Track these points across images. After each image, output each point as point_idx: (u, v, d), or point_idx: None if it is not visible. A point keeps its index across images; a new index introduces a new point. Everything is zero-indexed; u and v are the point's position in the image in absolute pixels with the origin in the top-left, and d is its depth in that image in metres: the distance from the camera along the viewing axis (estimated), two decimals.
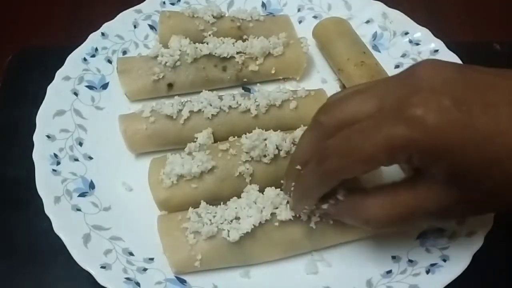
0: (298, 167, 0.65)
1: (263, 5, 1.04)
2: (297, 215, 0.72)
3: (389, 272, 0.73)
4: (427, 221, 0.72)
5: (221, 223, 0.72)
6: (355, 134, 0.57)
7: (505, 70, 0.57)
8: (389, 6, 1.01)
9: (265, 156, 0.77)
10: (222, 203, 0.75)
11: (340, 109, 0.61)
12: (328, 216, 0.70)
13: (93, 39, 0.95)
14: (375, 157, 0.55)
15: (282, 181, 0.73)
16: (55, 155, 0.81)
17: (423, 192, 0.58)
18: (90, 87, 0.91)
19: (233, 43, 0.92)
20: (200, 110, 0.83)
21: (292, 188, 0.68)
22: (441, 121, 0.52)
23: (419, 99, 0.53)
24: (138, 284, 0.70)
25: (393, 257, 0.75)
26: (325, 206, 0.65)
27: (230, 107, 0.84)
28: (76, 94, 0.89)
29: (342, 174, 0.59)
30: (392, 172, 0.84)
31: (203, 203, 0.74)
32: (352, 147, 0.56)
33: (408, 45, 0.97)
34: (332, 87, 0.94)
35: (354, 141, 0.56)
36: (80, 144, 0.85)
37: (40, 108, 0.85)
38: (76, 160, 0.82)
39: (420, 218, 0.60)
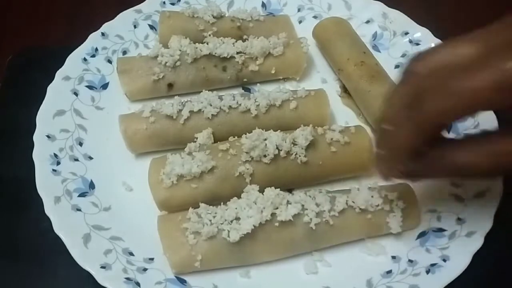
0: (389, 127, 0.60)
1: (263, 5, 1.04)
2: (387, 180, 0.68)
3: (389, 272, 0.73)
4: None
5: (221, 224, 0.72)
6: (458, 73, 0.52)
7: None
8: (389, 6, 1.01)
9: (265, 156, 0.77)
10: (222, 203, 0.75)
11: (435, 55, 0.56)
12: (417, 176, 0.66)
13: (93, 39, 0.95)
14: (483, 95, 0.51)
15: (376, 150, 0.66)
16: (55, 155, 0.81)
17: None
18: (90, 87, 0.91)
19: (233, 43, 0.92)
20: (200, 110, 0.83)
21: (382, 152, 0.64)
22: None
23: None
24: (138, 284, 0.70)
25: (393, 257, 0.75)
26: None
27: (230, 107, 0.84)
28: (76, 94, 0.89)
29: (442, 117, 0.55)
30: None
31: (203, 204, 0.74)
32: (456, 86, 0.52)
33: (408, 45, 0.97)
34: (332, 87, 0.95)
35: (458, 80, 0.52)
36: (80, 144, 0.85)
37: (40, 108, 0.85)
38: (76, 160, 0.82)
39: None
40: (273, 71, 0.93)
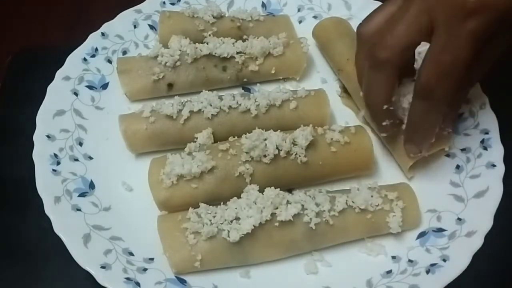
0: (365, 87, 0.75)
1: (263, 5, 1.04)
2: (384, 132, 0.80)
3: (389, 272, 0.73)
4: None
5: (221, 224, 0.72)
6: (394, 21, 0.68)
7: None
8: None
9: (265, 156, 0.77)
10: (222, 203, 0.75)
11: (373, 17, 0.74)
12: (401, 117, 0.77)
13: (93, 39, 0.95)
14: (416, 24, 0.66)
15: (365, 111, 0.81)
16: (55, 155, 0.81)
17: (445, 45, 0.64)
18: (90, 87, 0.91)
19: (233, 43, 0.92)
20: (200, 110, 0.83)
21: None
22: None
23: None
24: (138, 284, 0.70)
25: (393, 257, 0.75)
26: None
27: (230, 107, 0.84)
28: (76, 94, 0.89)
29: (395, 56, 0.69)
30: (392, 172, 0.85)
31: (203, 204, 0.74)
32: (395, 30, 0.67)
33: None
34: (332, 87, 0.95)
35: (395, 26, 0.68)
36: (80, 144, 0.85)
37: (40, 108, 0.85)
38: (76, 160, 0.82)
39: (458, 68, 0.65)
40: (273, 71, 0.93)
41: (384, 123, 0.77)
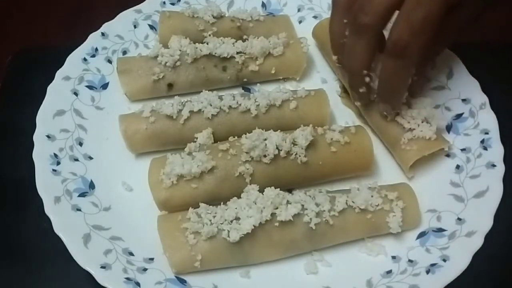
0: (343, 53, 0.78)
1: (263, 5, 1.04)
2: (359, 100, 0.84)
3: (389, 272, 0.73)
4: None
5: (221, 224, 0.72)
6: None
7: None
8: None
9: (265, 156, 0.77)
10: (222, 203, 0.75)
11: None
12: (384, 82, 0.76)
13: (93, 39, 0.95)
14: None
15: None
16: (55, 155, 0.81)
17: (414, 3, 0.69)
18: (90, 87, 0.91)
19: (233, 43, 0.92)
20: (200, 110, 0.83)
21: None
22: None
23: None
24: (138, 284, 0.70)
25: (393, 257, 0.75)
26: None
27: (230, 107, 0.84)
28: (76, 94, 0.89)
29: (376, 18, 0.70)
30: (392, 172, 0.85)
31: (203, 204, 0.74)
32: None
33: None
34: (332, 87, 0.95)
35: None
36: (80, 144, 0.85)
37: (40, 108, 0.85)
38: (76, 160, 0.82)
39: (430, 24, 0.68)
40: (273, 71, 0.93)
41: (361, 90, 0.80)
